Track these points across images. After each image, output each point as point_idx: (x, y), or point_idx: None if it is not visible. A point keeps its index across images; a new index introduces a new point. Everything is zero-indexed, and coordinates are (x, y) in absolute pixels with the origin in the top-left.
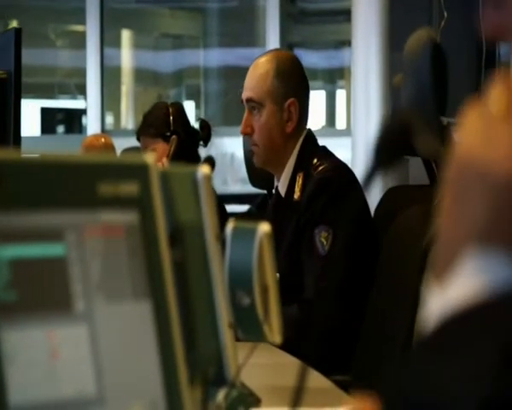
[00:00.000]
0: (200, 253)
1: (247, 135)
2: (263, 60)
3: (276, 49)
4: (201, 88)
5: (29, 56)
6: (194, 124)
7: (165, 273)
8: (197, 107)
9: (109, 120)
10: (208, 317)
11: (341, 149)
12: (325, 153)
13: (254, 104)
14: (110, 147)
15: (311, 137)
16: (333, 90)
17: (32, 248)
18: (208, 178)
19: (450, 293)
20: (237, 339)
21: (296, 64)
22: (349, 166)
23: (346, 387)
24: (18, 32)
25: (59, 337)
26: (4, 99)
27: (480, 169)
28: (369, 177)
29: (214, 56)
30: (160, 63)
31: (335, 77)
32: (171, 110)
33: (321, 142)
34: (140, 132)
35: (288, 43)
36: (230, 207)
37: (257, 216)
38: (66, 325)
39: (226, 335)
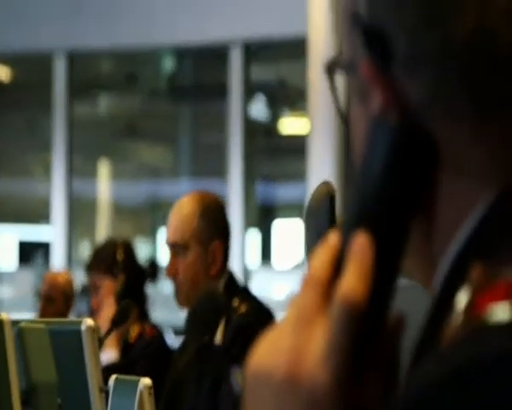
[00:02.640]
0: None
1: (173, 277)
2: (187, 200)
3: (199, 191)
4: None
5: (8, 185)
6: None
7: None
8: None
9: (87, 251)
10: None
11: None
12: (246, 294)
13: (179, 248)
14: (70, 284)
15: (232, 279)
16: None
17: None
18: (92, 331)
19: None
20: None
21: (221, 206)
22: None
23: None
24: None
25: None
26: None
27: (264, 375)
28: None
29: (187, 187)
30: (137, 194)
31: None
32: (120, 248)
33: None
34: (89, 268)
35: (255, 177)
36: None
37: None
38: None
39: None
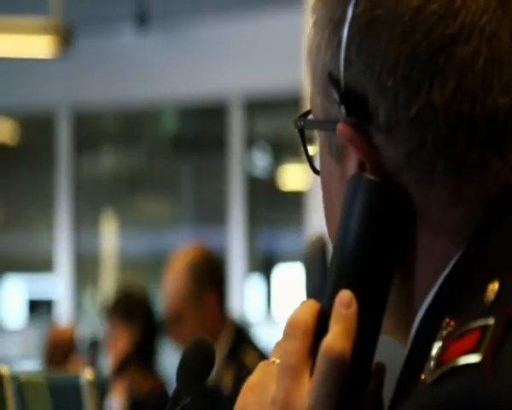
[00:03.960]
0: None
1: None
2: (175, 267)
3: (186, 249)
4: None
5: (15, 241)
6: None
7: None
8: None
9: (93, 304)
10: None
11: None
12: (256, 348)
13: (175, 319)
14: (72, 338)
15: (241, 332)
16: None
17: None
18: (92, 383)
19: None
20: None
21: (207, 257)
22: None
23: None
24: None
25: None
26: None
27: None
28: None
29: (190, 238)
30: (141, 246)
31: None
32: (136, 299)
33: None
34: (104, 316)
35: (257, 227)
36: None
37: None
38: None
39: None
